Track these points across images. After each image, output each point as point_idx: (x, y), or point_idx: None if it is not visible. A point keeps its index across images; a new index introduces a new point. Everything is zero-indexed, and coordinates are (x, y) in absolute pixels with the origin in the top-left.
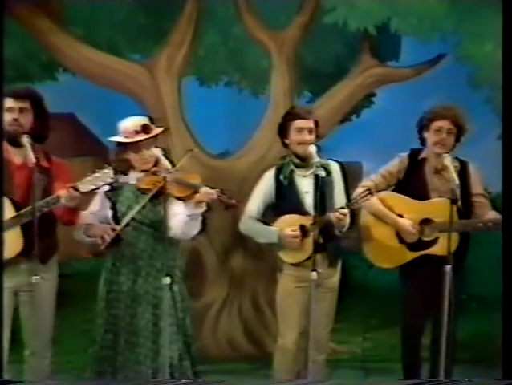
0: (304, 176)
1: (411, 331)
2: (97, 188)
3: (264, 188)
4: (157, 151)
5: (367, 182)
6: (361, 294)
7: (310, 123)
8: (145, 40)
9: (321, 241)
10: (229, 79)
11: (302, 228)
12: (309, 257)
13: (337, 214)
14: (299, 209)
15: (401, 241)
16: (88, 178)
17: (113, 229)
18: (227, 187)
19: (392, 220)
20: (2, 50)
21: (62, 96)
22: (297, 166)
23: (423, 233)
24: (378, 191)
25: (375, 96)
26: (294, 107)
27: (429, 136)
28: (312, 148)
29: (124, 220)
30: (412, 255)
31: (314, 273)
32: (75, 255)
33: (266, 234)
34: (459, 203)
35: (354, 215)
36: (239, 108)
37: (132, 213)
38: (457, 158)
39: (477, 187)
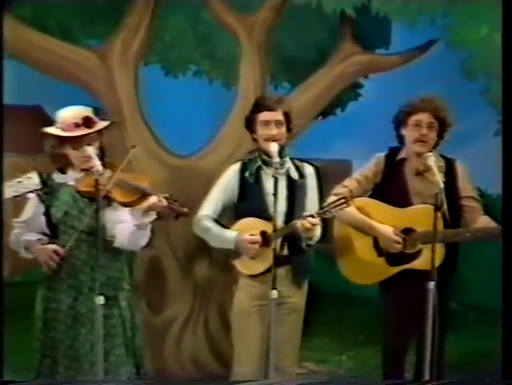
0: (274, 177)
1: (392, 353)
2: (19, 196)
3: (225, 184)
4: (91, 150)
5: (340, 189)
6: (344, 305)
7: (277, 116)
8: (102, 24)
9: (285, 252)
10: (199, 68)
11: (264, 234)
12: (269, 269)
13: (304, 222)
14: (263, 213)
15: (380, 253)
16: (10, 183)
17: (57, 253)
18: (191, 189)
19: (370, 227)
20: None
21: (7, 86)
22: (266, 164)
23: (404, 245)
24: (353, 198)
25: (362, 88)
26: (263, 97)
27: (408, 133)
28: (274, 146)
29: (70, 240)
30: (392, 270)
31: (275, 292)
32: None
33: (221, 238)
34: (444, 209)
35: (326, 226)
36: (209, 100)
37: (79, 227)
38: (441, 156)
39: (465, 188)
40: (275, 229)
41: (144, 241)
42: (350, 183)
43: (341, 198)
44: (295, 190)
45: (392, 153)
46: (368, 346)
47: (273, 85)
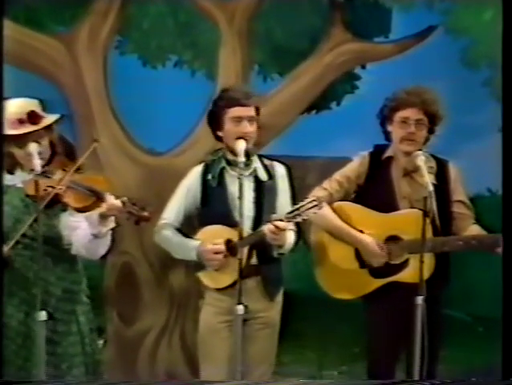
0: (239, 178)
1: (377, 373)
2: None
3: (187, 188)
4: (33, 147)
5: (318, 191)
6: (339, 312)
7: (250, 111)
8: (71, 9)
9: (254, 262)
10: (180, 58)
11: (229, 243)
12: (235, 281)
13: (270, 226)
14: (228, 219)
15: (362, 264)
16: None
17: None
18: (166, 189)
19: (350, 237)
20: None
21: None
22: (231, 164)
23: (389, 255)
24: (333, 201)
25: (360, 79)
26: (232, 90)
27: (394, 131)
28: (243, 144)
29: (10, 243)
30: (376, 283)
31: (241, 307)
32: None
33: (182, 248)
34: (434, 214)
35: (300, 232)
36: (191, 93)
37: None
38: (433, 156)
39: (457, 192)
40: (241, 237)
41: (103, 250)
42: (330, 185)
43: (312, 200)
44: (264, 192)
45: (378, 151)
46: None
47: (261, 76)
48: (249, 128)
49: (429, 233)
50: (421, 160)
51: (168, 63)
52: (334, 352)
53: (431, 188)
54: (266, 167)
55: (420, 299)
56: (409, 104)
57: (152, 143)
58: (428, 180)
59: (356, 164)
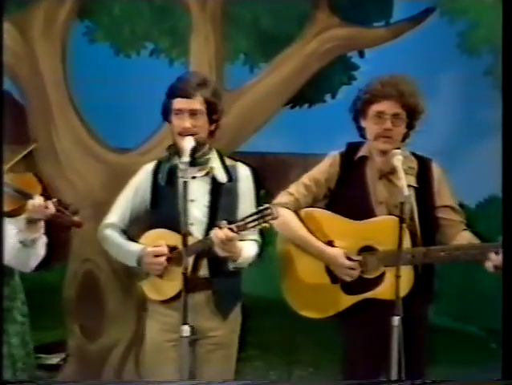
0: (194, 178)
1: None
2: None
3: (135, 187)
4: None
5: (283, 197)
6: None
7: (193, 104)
8: None
9: (204, 273)
10: (156, 47)
11: (174, 250)
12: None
13: (218, 232)
14: (177, 223)
15: (334, 279)
16: None
17: None
18: None
19: (315, 249)
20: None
21: None
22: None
23: (363, 268)
24: (300, 207)
25: (358, 70)
26: (181, 79)
27: (369, 126)
28: (190, 141)
29: None
30: (349, 300)
31: (186, 328)
32: None
33: (123, 252)
34: (415, 221)
35: (263, 244)
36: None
37: None
38: (414, 154)
39: (442, 196)
40: (185, 244)
41: (34, 261)
42: (296, 189)
43: (266, 208)
44: (222, 196)
45: (351, 150)
46: None
47: (248, 66)
48: (190, 123)
49: (408, 243)
50: (398, 159)
51: (144, 52)
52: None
53: (407, 192)
54: (226, 167)
55: (396, 320)
56: (384, 96)
57: (117, 140)
58: (405, 183)
59: (326, 165)
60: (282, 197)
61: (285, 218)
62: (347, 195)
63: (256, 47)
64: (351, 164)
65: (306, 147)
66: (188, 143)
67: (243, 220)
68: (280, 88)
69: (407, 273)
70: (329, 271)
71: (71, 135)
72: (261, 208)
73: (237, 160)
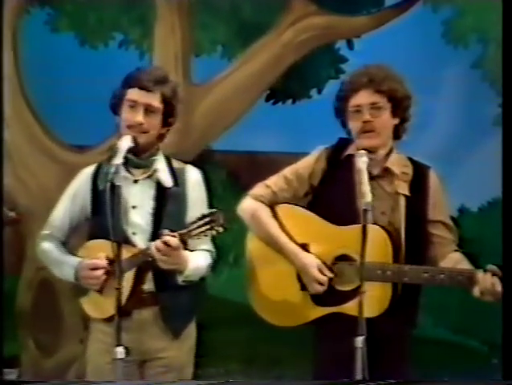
0: (136, 182)
1: None
2: None
3: (74, 193)
4: None
5: (258, 188)
6: None
7: (151, 98)
8: None
9: (149, 288)
10: (126, 37)
11: (113, 262)
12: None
13: (159, 245)
14: (119, 233)
15: (304, 286)
16: None
17: None
18: None
19: (287, 251)
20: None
21: None
22: (127, 164)
23: (338, 278)
24: (277, 202)
25: (346, 62)
26: (139, 70)
27: (351, 124)
28: (126, 139)
29: None
30: (317, 311)
31: (120, 350)
32: None
33: (60, 266)
34: (399, 234)
35: (219, 253)
36: None
37: None
38: (410, 159)
39: (437, 209)
40: (118, 254)
41: None
42: (275, 181)
43: (211, 213)
44: (168, 202)
45: (340, 147)
46: None
47: (226, 59)
48: (144, 119)
49: (389, 258)
50: (363, 161)
51: (112, 43)
52: None
53: (369, 198)
54: (172, 170)
55: (359, 341)
56: (357, 88)
57: (74, 137)
58: (368, 188)
59: (311, 160)
60: (258, 189)
61: (257, 212)
62: (331, 195)
63: (235, 38)
64: (339, 161)
65: (294, 145)
66: (124, 143)
67: (187, 227)
68: (253, 82)
69: (382, 291)
70: (299, 277)
71: (23, 130)
72: (205, 213)
73: (187, 163)
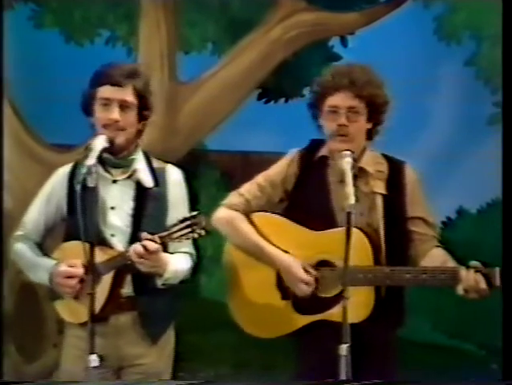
0: (115, 182)
1: None
2: None
3: (48, 193)
4: None
5: (232, 197)
6: None
7: (124, 94)
8: None
9: (128, 292)
10: (112, 34)
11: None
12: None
13: (137, 248)
14: (97, 234)
15: (285, 295)
16: None
17: None
18: None
19: (269, 256)
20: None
21: None
22: (106, 163)
23: (319, 285)
24: (252, 210)
25: (340, 60)
26: (109, 66)
27: (324, 124)
28: (101, 138)
29: None
30: (300, 320)
31: (94, 358)
32: None
33: (34, 268)
34: (379, 235)
35: (200, 257)
36: None
37: None
38: (385, 156)
39: (415, 205)
40: (91, 257)
41: None
42: (248, 189)
43: (192, 216)
44: (148, 202)
45: (312, 148)
46: None
47: (215, 56)
48: (120, 115)
49: (369, 260)
50: (347, 162)
51: (98, 40)
52: None
53: (353, 200)
54: (153, 170)
55: (344, 349)
56: (336, 88)
57: (57, 136)
58: (352, 190)
59: (284, 165)
60: (232, 198)
61: (234, 221)
62: (306, 199)
63: (225, 35)
64: (312, 163)
65: (287, 145)
66: (97, 143)
67: (167, 229)
68: (241, 79)
69: (365, 295)
70: (280, 285)
71: (7, 132)
72: (187, 215)
73: (167, 163)
